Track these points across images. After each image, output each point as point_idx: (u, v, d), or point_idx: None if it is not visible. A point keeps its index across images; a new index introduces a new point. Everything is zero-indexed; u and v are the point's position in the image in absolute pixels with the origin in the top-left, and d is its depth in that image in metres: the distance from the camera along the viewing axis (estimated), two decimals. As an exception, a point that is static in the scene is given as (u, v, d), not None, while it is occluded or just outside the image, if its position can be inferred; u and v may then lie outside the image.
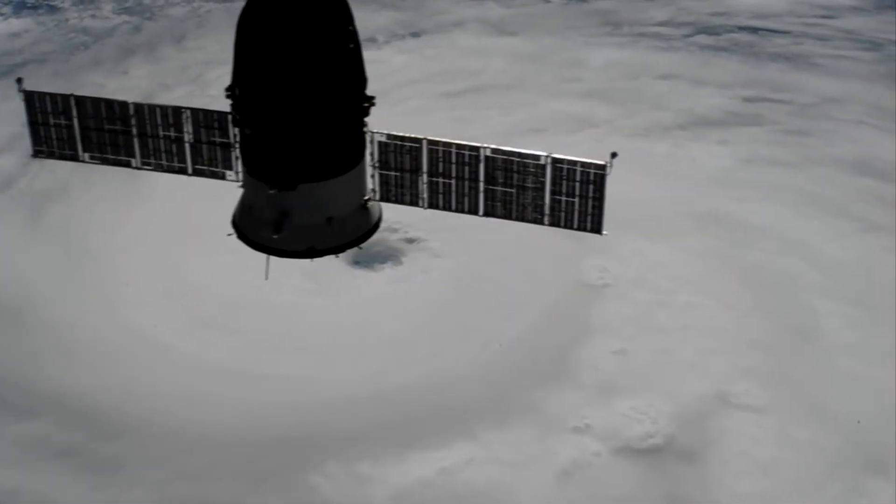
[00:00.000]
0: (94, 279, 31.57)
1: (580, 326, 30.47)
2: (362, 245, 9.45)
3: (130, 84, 41.32)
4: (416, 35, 45.41)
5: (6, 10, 47.34)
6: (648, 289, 31.77)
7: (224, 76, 8.98)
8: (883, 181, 36.72)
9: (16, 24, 46.41)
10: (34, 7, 47.56)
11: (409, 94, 41.23)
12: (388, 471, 26.20)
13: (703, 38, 45.48)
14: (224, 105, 9.17)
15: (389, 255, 32.81)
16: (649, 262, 32.72)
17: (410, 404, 28.04)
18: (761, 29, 46.01)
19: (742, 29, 46.10)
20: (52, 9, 47.37)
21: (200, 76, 42.30)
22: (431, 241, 32.91)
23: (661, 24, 46.45)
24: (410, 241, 33.01)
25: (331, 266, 31.39)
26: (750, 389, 28.39)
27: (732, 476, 26.18)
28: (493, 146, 9.55)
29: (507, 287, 31.51)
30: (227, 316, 29.80)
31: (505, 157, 9.54)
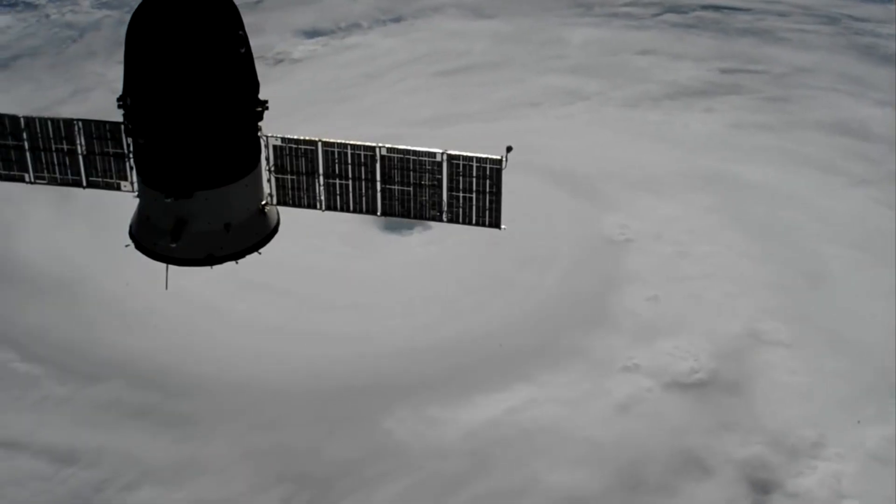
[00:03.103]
0: (131, 253, 32.08)
1: (611, 277, 32.02)
2: (261, 251, 9.39)
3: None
4: (396, 20, 46.52)
5: (-18, 7, 47.51)
6: (668, 242, 33.41)
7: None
8: (861, 140, 39.02)
9: (-4, 20, 46.67)
10: (11, 4, 47.73)
11: (403, 74, 42.41)
12: (457, 413, 27.35)
13: (671, 17, 47.37)
14: (117, 115, 9.20)
15: (416, 221, 33.85)
16: (664, 218, 34.36)
17: (465, 353, 29.25)
18: (724, 7, 48.11)
19: (706, 7, 48.14)
20: (29, 5, 47.55)
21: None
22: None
23: (629, 4, 48.32)
24: (435, 206, 34.00)
25: (365, 232, 32.59)
26: (777, 327, 30.22)
27: (776, 404, 27.94)
28: (389, 145, 9.45)
29: (534, 244, 32.77)
30: (274, 279, 30.44)
31: (401, 155, 9.45)
